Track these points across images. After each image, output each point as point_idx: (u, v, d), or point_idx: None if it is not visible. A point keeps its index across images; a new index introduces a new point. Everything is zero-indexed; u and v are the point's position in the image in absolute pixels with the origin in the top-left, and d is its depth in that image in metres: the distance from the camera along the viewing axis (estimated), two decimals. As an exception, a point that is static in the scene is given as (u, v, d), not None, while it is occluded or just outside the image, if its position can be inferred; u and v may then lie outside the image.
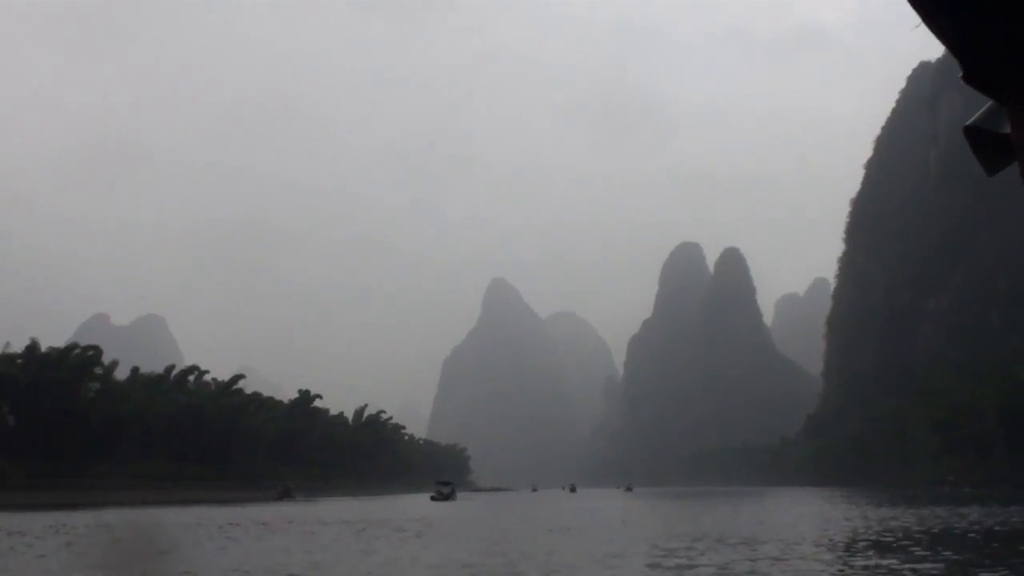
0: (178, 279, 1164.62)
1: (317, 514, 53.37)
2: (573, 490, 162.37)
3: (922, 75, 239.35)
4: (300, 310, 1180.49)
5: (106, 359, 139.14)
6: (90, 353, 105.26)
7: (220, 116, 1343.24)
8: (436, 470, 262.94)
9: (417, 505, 77.26)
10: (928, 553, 21.71)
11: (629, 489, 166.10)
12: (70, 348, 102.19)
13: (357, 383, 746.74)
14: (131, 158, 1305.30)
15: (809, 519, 42.25)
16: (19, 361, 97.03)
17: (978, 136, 2.44)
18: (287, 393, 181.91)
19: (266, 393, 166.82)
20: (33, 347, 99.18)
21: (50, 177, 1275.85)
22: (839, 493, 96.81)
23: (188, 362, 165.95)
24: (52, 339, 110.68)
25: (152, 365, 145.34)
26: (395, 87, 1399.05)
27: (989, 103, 2.38)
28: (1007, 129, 2.30)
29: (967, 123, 2.45)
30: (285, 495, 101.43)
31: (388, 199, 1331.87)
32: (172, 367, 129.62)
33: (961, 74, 2.19)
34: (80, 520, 47.03)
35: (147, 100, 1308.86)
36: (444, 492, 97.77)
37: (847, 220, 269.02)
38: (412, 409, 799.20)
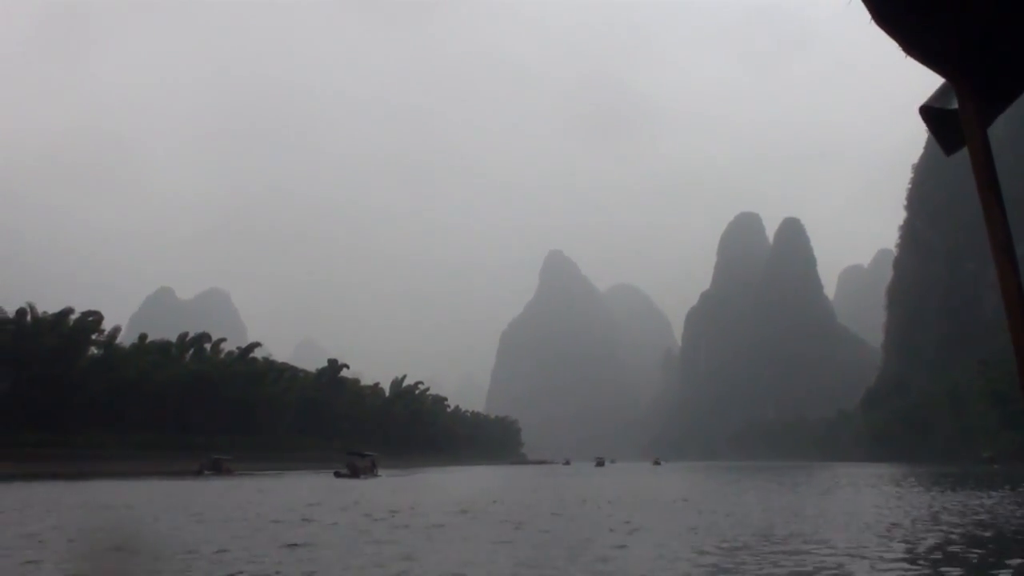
0: (243, 254, 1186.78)
1: (185, 494, 43.89)
2: (600, 464, 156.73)
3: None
4: (363, 286, 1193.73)
5: (171, 332, 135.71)
6: (90, 319, 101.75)
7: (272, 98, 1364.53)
8: (485, 443, 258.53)
9: (320, 485, 59.24)
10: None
11: (657, 463, 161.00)
12: (65, 313, 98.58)
13: (418, 356, 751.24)
14: (200, 140, 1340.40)
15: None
16: (10, 327, 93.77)
17: (934, 116, 2.33)
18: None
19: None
20: (24, 312, 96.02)
21: (125, 159, 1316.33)
22: (879, 471, 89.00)
23: (251, 335, 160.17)
24: (119, 312, 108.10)
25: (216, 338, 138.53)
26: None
27: (943, 83, 2.27)
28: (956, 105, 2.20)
29: (922, 104, 2.34)
30: (209, 468, 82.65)
31: (448, 175, 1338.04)
32: (185, 334, 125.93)
33: (901, 47, 2.09)
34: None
35: (194, 88, 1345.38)
36: (358, 466, 77.67)
37: (908, 187, 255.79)
38: (472, 383, 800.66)
